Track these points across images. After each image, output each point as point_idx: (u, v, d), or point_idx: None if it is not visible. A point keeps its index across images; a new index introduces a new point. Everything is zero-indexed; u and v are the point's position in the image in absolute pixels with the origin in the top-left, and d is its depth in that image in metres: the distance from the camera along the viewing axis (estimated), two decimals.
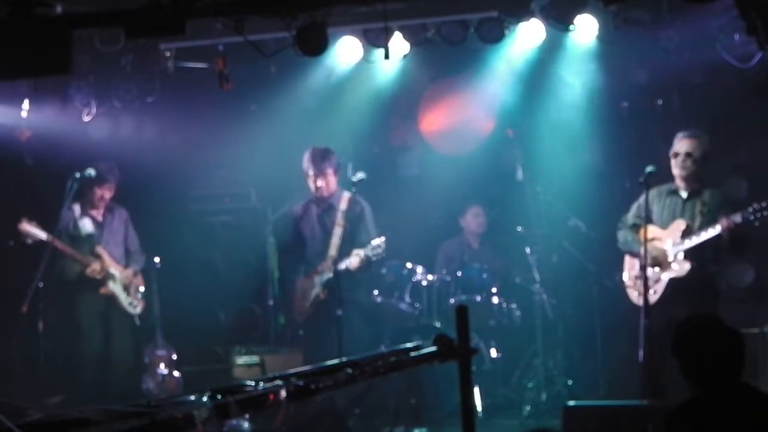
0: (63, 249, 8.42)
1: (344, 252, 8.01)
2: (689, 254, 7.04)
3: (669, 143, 7.26)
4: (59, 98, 8.81)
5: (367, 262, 7.97)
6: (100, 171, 8.49)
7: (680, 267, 7.07)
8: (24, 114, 8.76)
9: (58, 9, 6.84)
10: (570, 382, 8.51)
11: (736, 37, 7.59)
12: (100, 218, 8.73)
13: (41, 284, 8.12)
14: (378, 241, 7.93)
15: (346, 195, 8.20)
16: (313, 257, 8.30)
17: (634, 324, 7.05)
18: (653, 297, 7.08)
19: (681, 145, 7.17)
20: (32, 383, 8.56)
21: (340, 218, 8.16)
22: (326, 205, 8.31)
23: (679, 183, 7.24)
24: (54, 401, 8.19)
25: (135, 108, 8.95)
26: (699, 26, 7.80)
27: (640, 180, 7.04)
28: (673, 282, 7.10)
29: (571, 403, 6.77)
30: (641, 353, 6.71)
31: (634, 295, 7.30)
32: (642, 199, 7.29)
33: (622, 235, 7.45)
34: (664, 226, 7.21)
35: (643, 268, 6.92)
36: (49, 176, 8.91)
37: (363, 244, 7.99)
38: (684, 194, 7.23)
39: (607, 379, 8.47)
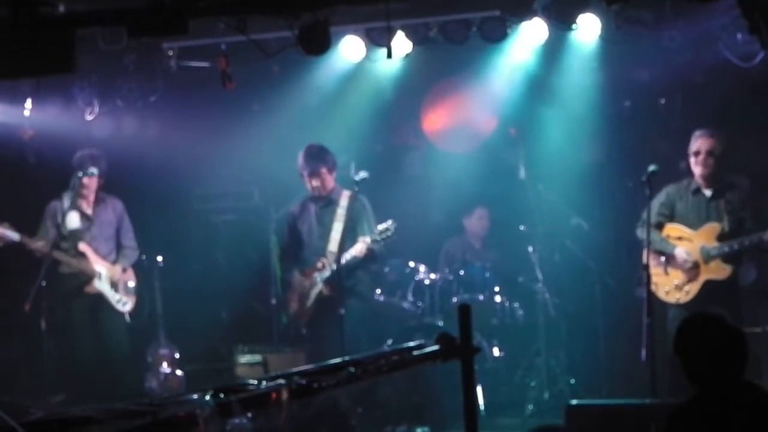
0: (38, 249, 8.16)
1: (345, 248, 7.88)
2: (728, 257, 7.08)
3: (672, 142, 7.27)
4: (62, 97, 8.81)
5: (374, 249, 7.90)
6: (82, 159, 8.23)
7: (720, 269, 7.10)
8: (27, 113, 8.74)
9: (61, 8, 6.82)
10: (572, 381, 8.51)
11: (739, 36, 7.59)
12: (89, 211, 8.43)
13: (44, 283, 7.98)
14: (386, 224, 7.82)
15: (346, 192, 8.08)
16: (310, 255, 8.15)
17: (636, 322, 7.05)
18: (685, 297, 7.10)
19: (701, 143, 7.16)
20: (35, 382, 8.56)
21: (340, 214, 8.00)
22: (325, 202, 8.15)
23: (700, 181, 7.22)
24: (57, 400, 8.19)
25: (138, 107, 8.94)
26: (701, 26, 7.80)
27: (642, 179, 7.03)
28: (709, 283, 7.12)
29: (574, 401, 6.78)
30: (644, 352, 6.71)
31: (662, 292, 7.25)
32: (663, 197, 7.28)
33: (651, 235, 7.16)
34: (690, 226, 7.20)
35: (645, 268, 6.92)
36: (51, 175, 8.91)
37: (366, 234, 7.91)
38: (708, 193, 7.22)
39: (610, 377, 8.47)
